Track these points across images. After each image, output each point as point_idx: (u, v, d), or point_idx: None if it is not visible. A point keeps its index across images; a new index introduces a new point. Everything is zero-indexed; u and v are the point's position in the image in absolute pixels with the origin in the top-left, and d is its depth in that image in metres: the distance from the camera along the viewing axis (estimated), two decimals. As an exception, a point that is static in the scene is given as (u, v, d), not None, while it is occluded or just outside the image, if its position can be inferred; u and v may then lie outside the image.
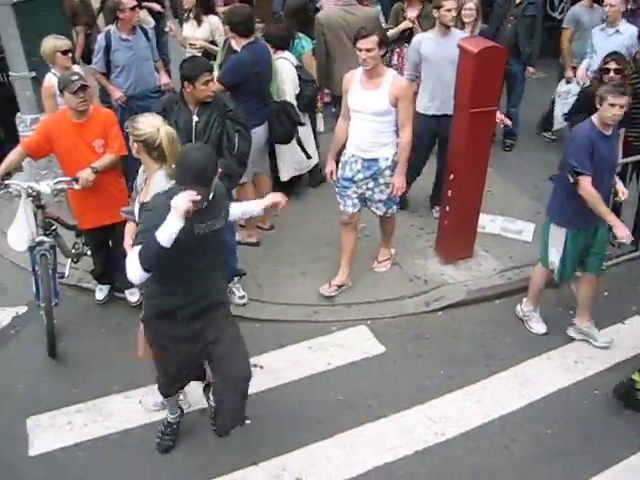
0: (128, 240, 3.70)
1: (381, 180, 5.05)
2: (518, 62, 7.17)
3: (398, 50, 6.84)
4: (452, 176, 5.44)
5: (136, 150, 3.58)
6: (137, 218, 3.60)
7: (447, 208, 5.59)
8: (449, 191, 5.51)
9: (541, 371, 4.71)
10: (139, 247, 3.12)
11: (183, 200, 3.04)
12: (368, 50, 4.65)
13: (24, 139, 4.96)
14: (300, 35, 6.35)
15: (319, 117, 6.95)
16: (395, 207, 5.33)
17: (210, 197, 3.26)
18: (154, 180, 3.55)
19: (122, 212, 3.99)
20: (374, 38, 4.63)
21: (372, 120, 4.89)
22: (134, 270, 3.12)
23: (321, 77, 6.49)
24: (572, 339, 4.96)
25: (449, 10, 5.54)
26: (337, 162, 5.23)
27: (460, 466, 4.00)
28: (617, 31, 6.53)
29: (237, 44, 5.47)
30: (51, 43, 5.41)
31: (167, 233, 3.05)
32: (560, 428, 4.26)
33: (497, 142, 7.32)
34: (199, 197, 3.07)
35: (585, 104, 5.30)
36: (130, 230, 3.76)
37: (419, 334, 5.04)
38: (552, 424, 4.28)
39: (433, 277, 5.56)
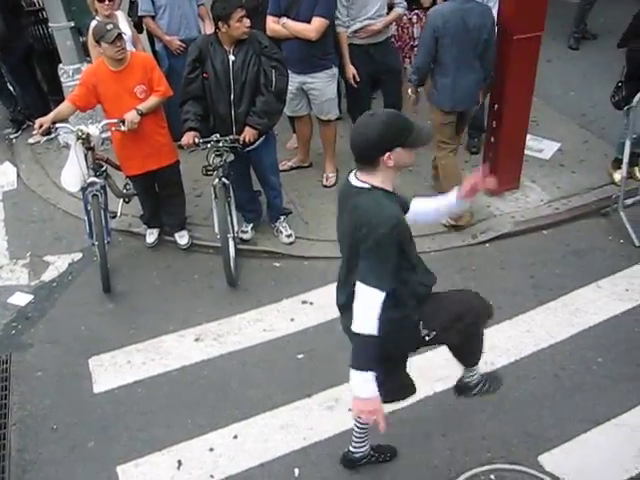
0: None
1: None
2: None
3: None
4: (496, 106, 5.32)
5: None
6: None
7: (492, 139, 5.49)
8: (493, 122, 5.41)
9: (591, 300, 4.67)
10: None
11: None
12: None
13: (70, 94, 5.01)
14: None
15: None
16: None
17: None
18: None
19: None
20: None
21: None
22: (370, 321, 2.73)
23: None
24: (624, 267, 4.90)
25: None
26: None
27: (510, 394, 4.02)
28: None
29: None
30: None
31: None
32: (611, 356, 4.25)
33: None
34: None
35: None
36: None
37: (466, 266, 5.04)
38: (603, 352, 4.26)
39: (479, 209, 5.50)
